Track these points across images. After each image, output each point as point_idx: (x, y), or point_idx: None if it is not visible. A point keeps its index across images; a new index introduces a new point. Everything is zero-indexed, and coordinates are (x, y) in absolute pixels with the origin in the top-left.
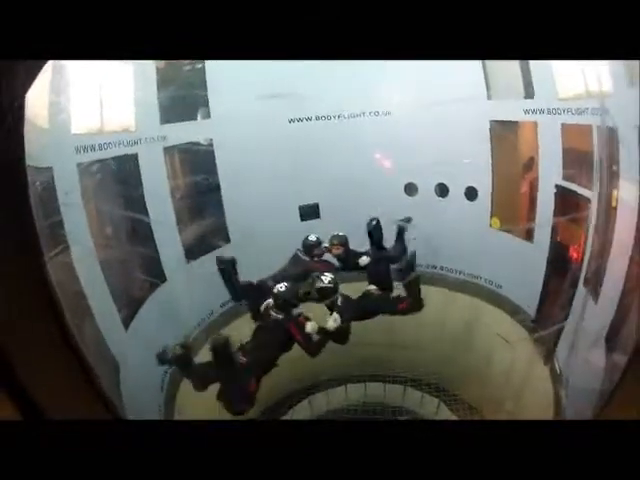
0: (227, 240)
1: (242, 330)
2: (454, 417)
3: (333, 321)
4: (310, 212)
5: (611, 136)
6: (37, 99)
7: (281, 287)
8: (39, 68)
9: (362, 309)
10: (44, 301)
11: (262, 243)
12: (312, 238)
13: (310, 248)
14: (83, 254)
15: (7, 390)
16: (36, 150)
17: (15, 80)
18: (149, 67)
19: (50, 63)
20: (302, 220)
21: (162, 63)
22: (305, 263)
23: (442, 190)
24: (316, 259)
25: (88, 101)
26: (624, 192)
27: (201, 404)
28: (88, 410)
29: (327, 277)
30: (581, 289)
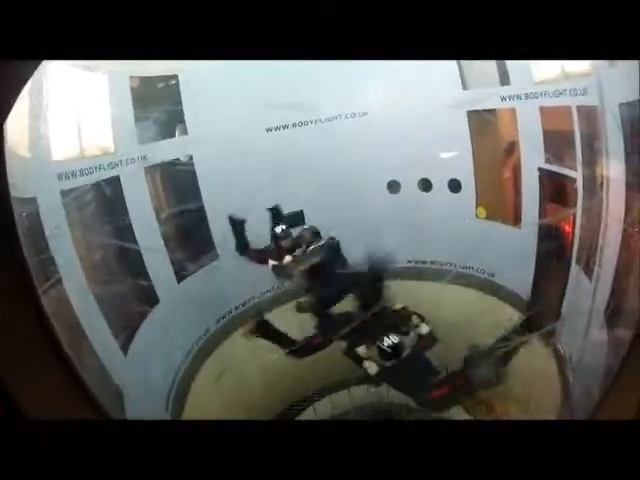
0: (215, 257)
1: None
2: (459, 406)
3: (370, 368)
4: (295, 220)
5: (591, 115)
6: (17, 127)
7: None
8: (18, 91)
9: (397, 379)
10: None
11: None
12: (278, 230)
13: (276, 239)
14: (74, 281)
15: None
16: (19, 180)
17: None
18: (123, 86)
19: (27, 88)
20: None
21: (136, 81)
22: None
23: (425, 185)
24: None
25: (66, 126)
26: (610, 170)
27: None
28: (75, 413)
29: (389, 340)
30: (575, 268)
